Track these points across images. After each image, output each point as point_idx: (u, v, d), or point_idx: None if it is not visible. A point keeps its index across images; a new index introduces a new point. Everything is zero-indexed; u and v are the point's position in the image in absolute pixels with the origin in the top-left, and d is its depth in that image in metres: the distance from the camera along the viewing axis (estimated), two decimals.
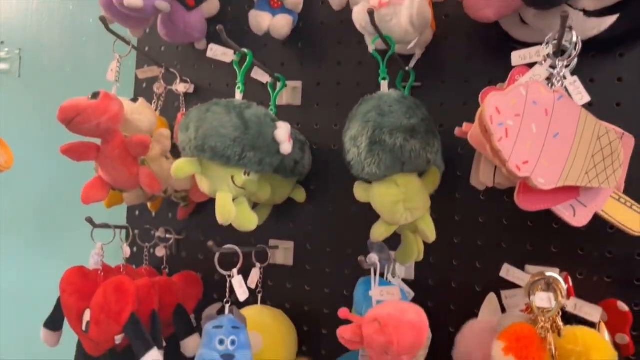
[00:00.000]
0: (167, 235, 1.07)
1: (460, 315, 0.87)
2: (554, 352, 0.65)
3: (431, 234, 0.78)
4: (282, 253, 1.02)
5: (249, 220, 0.80)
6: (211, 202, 1.03)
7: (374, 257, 0.77)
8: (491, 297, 0.84)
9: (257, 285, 0.96)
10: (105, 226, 0.93)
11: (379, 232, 0.77)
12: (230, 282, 0.83)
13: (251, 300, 0.97)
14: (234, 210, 0.77)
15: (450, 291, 0.92)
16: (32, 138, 1.36)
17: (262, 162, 0.78)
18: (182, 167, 0.76)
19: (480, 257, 0.90)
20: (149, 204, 1.07)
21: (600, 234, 0.84)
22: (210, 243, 0.79)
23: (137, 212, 1.13)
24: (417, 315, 0.70)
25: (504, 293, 0.83)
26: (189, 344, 0.93)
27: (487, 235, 0.90)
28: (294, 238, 1.03)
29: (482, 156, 0.72)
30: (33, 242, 1.37)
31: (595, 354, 0.64)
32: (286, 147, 0.79)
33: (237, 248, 0.84)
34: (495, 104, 0.60)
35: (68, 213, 1.32)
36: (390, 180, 0.74)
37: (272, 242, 1.03)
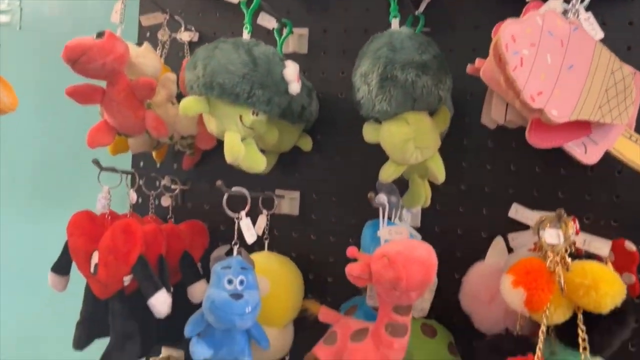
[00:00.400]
0: (173, 186, 1.07)
1: (466, 262, 0.87)
2: (562, 284, 0.65)
3: (441, 175, 0.78)
4: (288, 203, 1.02)
5: (257, 161, 0.79)
6: (217, 152, 1.04)
7: (382, 197, 0.76)
8: (498, 240, 0.84)
9: (264, 232, 0.96)
10: (112, 170, 0.92)
11: (388, 173, 0.76)
12: (238, 224, 0.83)
13: (257, 248, 0.98)
14: (243, 150, 0.76)
15: (456, 238, 0.92)
16: (34, 90, 1.35)
17: (270, 101, 0.77)
18: (189, 105, 0.75)
19: (487, 203, 0.90)
20: (154, 154, 1.06)
21: (607, 179, 0.84)
22: (219, 182, 0.79)
23: (141, 163, 1.13)
24: (427, 252, 0.71)
25: (511, 235, 0.83)
26: (196, 290, 0.94)
27: (494, 181, 0.90)
28: (300, 188, 1.03)
29: (494, 93, 0.72)
30: (35, 197, 1.36)
31: (604, 286, 0.64)
32: (295, 87, 0.78)
33: (245, 191, 0.84)
34: (511, 31, 0.59)
35: (71, 167, 1.32)
36: (400, 118, 0.73)
37: (278, 192, 1.03)
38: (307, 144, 0.98)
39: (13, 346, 1.36)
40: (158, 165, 1.10)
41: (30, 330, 1.36)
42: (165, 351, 1.09)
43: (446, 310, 0.89)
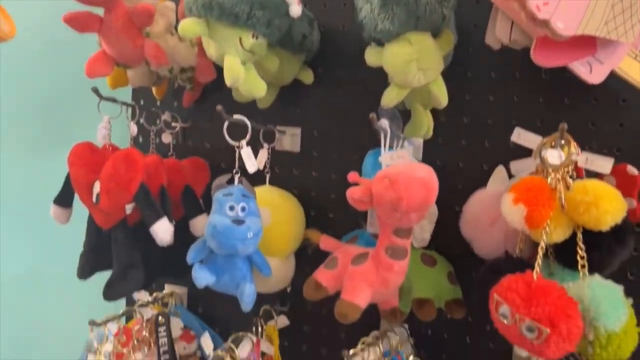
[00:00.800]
0: (173, 123, 1.06)
1: (467, 195, 0.87)
2: (563, 201, 0.65)
3: (443, 98, 0.77)
4: (289, 139, 1.02)
5: (256, 85, 0.78)
6: (217, 89, 1.03)
7: (384, 122, 0.76)
8: (500, 169, 0.84)
9: (265, 166, 0.96)
10: (112, 100, 0.91)
11: (390, 97, 0.76)
12: (239, 153, 0.83)
13: (259, 184, 0.98)
14: (243, 73, 0.75)
15: (457, 170, 0.92)
16: (35, 24, 1.31)
17: (270, 23, 0.76)
18: (188, 27, 0.74)
19: (489, 135, 0.90)
20: (153, 90, 1.05)
21: (611, 108, 0.83)
22: (219, 107, 0.78)
23: (142, 101, 1.12)
24: (428, 173, 0.71)
25: (513, 163, 0.83)
26: (198, 224, 0.94)
27: (497, 113, 0.89)
28: (301, 124, 1.02)
29: (499, 11, 0.70)
30: (38, 134, 1.36)
31: (605, 203, 0.64)
32: (295, 9, 0.77)
33: (245, 119, 0.83)
34: None
35: (72, 102, 1.30)
36: (403, 38, 0.72)
37: (279, 128, 1.02)
38: (308, 77, 0.97)
39: (14, 284, 1.38)
40: (158, 102, 1.09)
41: (31, 268, 1.37)
42: (168, 288, 1.11)
43: (446, 241, 0.90)
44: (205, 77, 0.94)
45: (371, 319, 0.94)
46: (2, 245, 1.00)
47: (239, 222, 0.79)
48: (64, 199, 0.92)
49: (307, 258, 0.94)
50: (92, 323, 0.86)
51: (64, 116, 1.32)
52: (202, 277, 0.81)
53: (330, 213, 1.01)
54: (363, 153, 0.91)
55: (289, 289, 0.97)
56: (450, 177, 0.92)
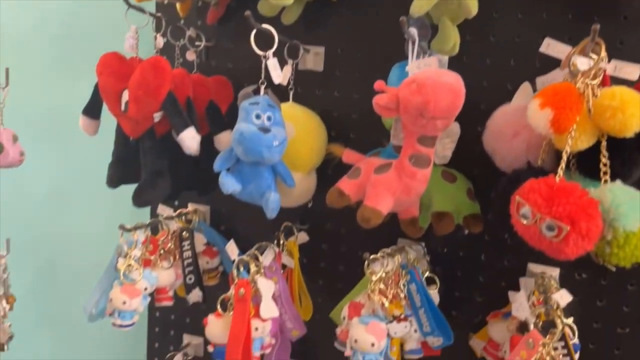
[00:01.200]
0: (197, 42, 1.06)
1: (490, 114, 0.87)
2: (590, 106, 0.66)
3: (474, 6, 0.77)
4: (312, 58, 1.02)
5: None
6: (241, 8, 1.02)
7: (413, 30, 0.76)
8: (525, 85, 0.84)
9: (288, 82, 0.97)
10: (140, 10, 0.92)
11: (419, 4, 0.75)
12: (265, 63, 0.84)
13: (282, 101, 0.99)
14: None
15: (481, 90, 0.92)
16: None
17: None
18: None
19: (515, 54, 0.89)
20: (178, 6, 1.05)
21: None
22: (247, 12, 0.78)
23: (163, 23, 1.12)
24: (455, 79, 0.71)
25: (539, 79, 0.83)
26: (223, 139, 0.96)
27: (524, 31, 0.89)
28: (325, 43, 1.02)
29: None
30: (60, 60, 1.37)
31: (631, 108, 0.64)
32: None
33: (272, 29, 0.83)
34: None
35: (97, 20, 1.30)
36: None
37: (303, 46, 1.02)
38: None
39: (43, 203, 1.42)
40: (182, 20, 1.09)
41: (60, 187, 1.41)
42: (191, 205, 1.14)
43: (467, 161, 0.91)
44: None
45: (390, 241, 0.97)
46: (29, 163, 1.03)
47: (265, 130, 0.80)
48: (92, 110, 0.94)
49: (329, 177, 0.96)
50: (122, 228, 0.90)
51: (89, 32, 1.32)
52: (229, 184, 0.83)
53: (351, 133, 1.02)
54: (386, 73, 0.91)
55: (310, 204, 0.99)
56: (473, 97, 0.92)
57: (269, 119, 0.81)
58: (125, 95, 0.87)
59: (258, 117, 0.81)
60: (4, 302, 0.99)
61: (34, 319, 1.41)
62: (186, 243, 1.05)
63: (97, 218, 1.34)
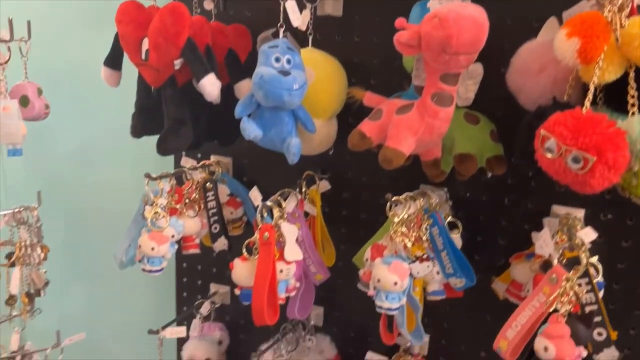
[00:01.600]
0: None
1: (513, 55, 0.85)
2: (618, 35, 0.63)
3: None
4: (331, 3, 1.00)
5: None
6: None
7: None
8: (552, 20, 0.81)
9: (307, 27, 0.96)
10: None
11: None
12: (284, 5, 0.83)
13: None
14: None
15: (505, 29, 0.89)
16: None
17: None
18: None
19: (536, 16, 0.86)
20: None
21: None
22: None
23: None
24: (479, 12, 0.69)
25: (565, 12, 0.80)
26: (243, 87, 0.96)
27: None
28: None
29: None
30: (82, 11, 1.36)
31: None
32: None
33: None
34: None
35: None
36: None
37: None
38: None
39: (70, 155, 1.46)
40: None
41: (86, 139, 1.44)
42: (214, 157, 1.15)
43: (490, 104, 0.90)
44: None
45: (412, 188, 0.97)
46: (54, 116, 1.05)
47: (285, 73, 0.80)
48: (113, 60, 0.94)
49: (349, 124, 0.95)
50: (148, 176, 0.91)
51: None
52: (251, 129, 0.84)
53: (372, 79, 1.01)
54: (406, 16, 0.89)
55: (331, 152, 0.99)
56: (496, 36, 0.90)
57: (288, 62, 0.81)
58: (145, 44, 0.87)
59: (277, 60, 0.81)
60: (38, 249, 1.03)
61: (67, 268, 1.46)
62: (210, 194, 1.07)
63: (123, 168, 1.36)
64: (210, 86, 0.86)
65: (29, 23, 0.98)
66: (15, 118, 0.95)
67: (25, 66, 0.99)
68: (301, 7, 0.94)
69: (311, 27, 0.97)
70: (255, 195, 0.91)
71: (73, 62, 1.37)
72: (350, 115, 0.97)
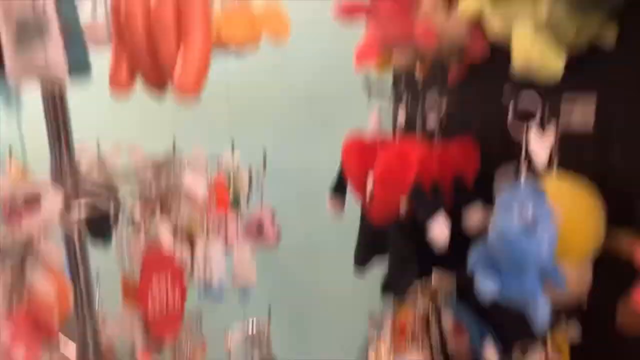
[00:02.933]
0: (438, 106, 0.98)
1: None
2: None
3: None
4: (580, 112, 0.82)
5: (552, 60, 0.64)
6: (484, 63, 0.90)
7: None
8: None
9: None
10: (382, 89, 0.88)
11: None
12: (526, 135, 0.70)
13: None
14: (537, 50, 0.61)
15: None
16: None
17: None
18: (468, 4, 0.63)
19: None
20: (417, 68, 0.98)
21: None
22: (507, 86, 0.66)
23: (403, 80, 1.07)
24: None
25: None
26: (473, 216, 0.86)
27: None
28: (595, 89, 0.81)
29: None
30: (306, 123, 1.44)
31: None
32: None
33: (536, 93, 0.69)
34: None
35: (335, 91, 1.33)
36: None
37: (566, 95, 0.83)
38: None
39: (295, 254, 1.52)
40: (420, 83, 1.02)
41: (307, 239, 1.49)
42: (435, 274, 1.06)
43: None
44: (477, 54, 0.83)
45: None
46: (287, 219, 1.11)
47: (530, 231, 0.67)
48: (340, 189, 0.96)
49: (607, 266, 0.77)
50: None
51: (327, 102, 1.37)
52: (488, 287, 0.72)
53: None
54: None
55: (584, 307, 0.81)
56: None
57: (533, 213, 0.68)
58: (370, 183, 0.84)
59: (520, 211, 0.68)
60: None
61: None
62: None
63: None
64: (438, 228, 0.78)
65: None
66: None
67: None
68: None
69: (556, 149, 0.81)
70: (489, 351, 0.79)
71: (292, 166, 1.44)
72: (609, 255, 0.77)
